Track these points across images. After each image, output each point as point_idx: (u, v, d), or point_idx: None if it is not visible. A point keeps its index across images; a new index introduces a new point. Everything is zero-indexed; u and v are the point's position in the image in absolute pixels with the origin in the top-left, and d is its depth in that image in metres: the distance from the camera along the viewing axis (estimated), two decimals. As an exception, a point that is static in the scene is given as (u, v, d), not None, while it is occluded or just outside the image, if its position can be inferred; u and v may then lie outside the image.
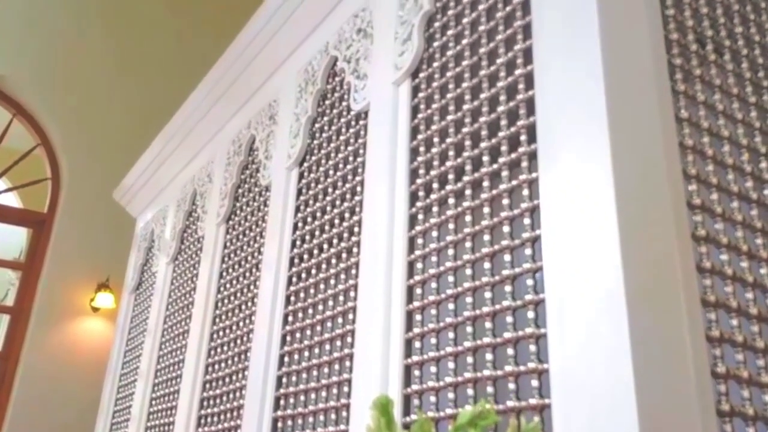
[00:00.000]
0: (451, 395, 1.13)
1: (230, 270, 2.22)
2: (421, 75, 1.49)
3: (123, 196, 3.64)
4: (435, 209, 1.32)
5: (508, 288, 1.07)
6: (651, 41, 1.09)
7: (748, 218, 1.06)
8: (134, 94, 5.31)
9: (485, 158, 1.22)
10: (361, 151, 1.65)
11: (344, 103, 1.80)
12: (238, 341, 2.01)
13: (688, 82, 1.12)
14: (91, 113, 5.19)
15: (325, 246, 1.67)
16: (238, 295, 2.10)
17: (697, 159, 1.05)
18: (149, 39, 5.53)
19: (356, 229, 1.56)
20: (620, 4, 1.08)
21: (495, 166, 1.19)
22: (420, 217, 1.35)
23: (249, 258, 2.10)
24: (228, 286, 2.20)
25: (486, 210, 1.18)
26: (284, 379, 1.69)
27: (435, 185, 1.34)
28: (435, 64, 1.46)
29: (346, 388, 1.43)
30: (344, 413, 1.42)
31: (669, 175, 0.99)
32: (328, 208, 1.72)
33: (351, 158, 1.69)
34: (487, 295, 1.11)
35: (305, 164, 1.92)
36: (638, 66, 1.05)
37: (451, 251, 1.23)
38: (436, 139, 1.38)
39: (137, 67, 5.42)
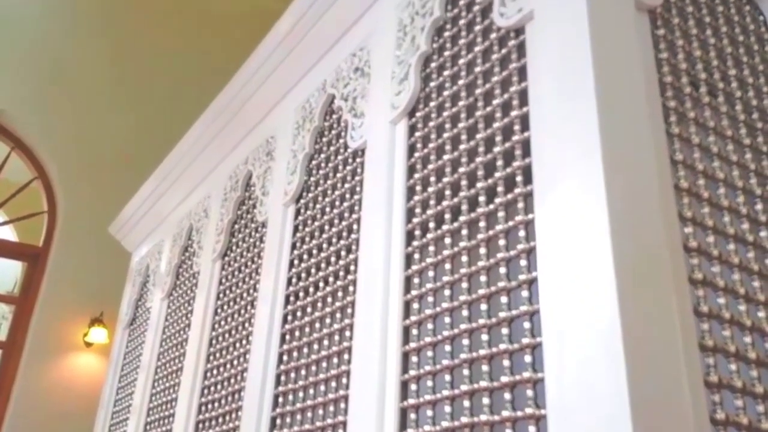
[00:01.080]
0: (447, 439, 1.11)
1: (225, 307, 2.21)
2: (418, 114, 1.50)
3: (119, 230, 3.63)
4: (431, 248, 1.31)
5: (505, 330, 1.06)
6: (645, 84, 1.10)
7: (744, 261, 1.06)
8: (132, 129, 5.34)
9: (481, 198, 1.23)
10: (357, 189, 1.65)
11: (341, 141, 1.81)
12: (233, 380, 1.98)
13: (683, 125, 1.13)
14: (89, 148, 5.21)
15: (321, 284, 1.66)
16: (233, 332, 2.08)
17: (693, 201, 1.05)
18: (148, 74, 5.58)
19: (352, 268, 1.55)
20: (614, 48, 1.09)
21: (491, 206, 1.19)
22: (416, 256, 1.35)
23: (244, 295, 2.09)
24: (223, 323, 2.18)
25: (482, 250, 1.17)
26: (278, 420, 1.67)
27: (431, 224, 1.34)
28: (431, 104, 1.47)
29: (340, 431, 1.40)
30: (339, 456, 1.39)
31: (665, 218, 0.99)
32: (325, 246, 1.72)
33: (348, 196, 1.69)
34: (484, 337, 1.10)
35: (302, 201, 1.92)
36: (633, 109, 1.06)
37: (447, 291, 1.22)
38: (432, 179, 1.39)
39: (135, 102, 5.46)
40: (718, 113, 1.21)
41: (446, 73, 1.45)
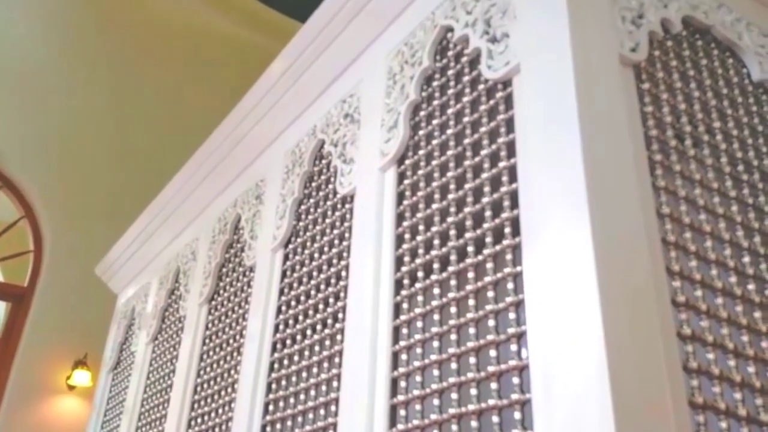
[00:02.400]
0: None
1: (211, 353, 2.17)
2: (407, 162, 1.51)
3: (105, 271, 3.59)
4: (420, 298, 1.30)
5: (494, 385, 1.05)
6: (631, 137, 1.11)
7: (733, 315, 1.06)
8: (121, 171, 5.35)
9: (470, 248, 1.22)
10: (346, 235, 1.65)
11: (330, 186, 1.81)
12: (217, 429, 1.94)
13: (669, 178, 1.14)
14: (77, 188, 5.19)
15: (309, 332, 1.64)
16: (218, 379, 2.05)
17: (680, 255, 1.05)
18: (137, 118, 5.61)
19: (340, 316, 1.53)
20: (599, 102, 1.11)
21: (480, 257, 1.18)
22: (405, 305, 1.34)
23: (230, 341, 2.06)
24: (208, 369, 2.15)
25: (471, 302, 1.16)
26: (263, 472, 1.63)
27: (420, 273, 1.33)
28: (420, 152, 1.47)
29: (327, 485, 1.37)
30: None
31: (652, 271, 0.99)
32: (313, 293, 1.70)
33: (336, 242, 1.69)
34: (473, 392, 1.08)
35: (290, 246, 1.91)
36: (619, 162, 1.06)
37: (436, 343, 1.21)
38: (421, 227, 1.38)
39: (124, 144, 5.48)
40: (703, 166, 1.22)
41: (435, 121, 1.46)
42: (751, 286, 1.12)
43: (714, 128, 1.30)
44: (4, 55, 5.26)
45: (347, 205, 1.69)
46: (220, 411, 1.96)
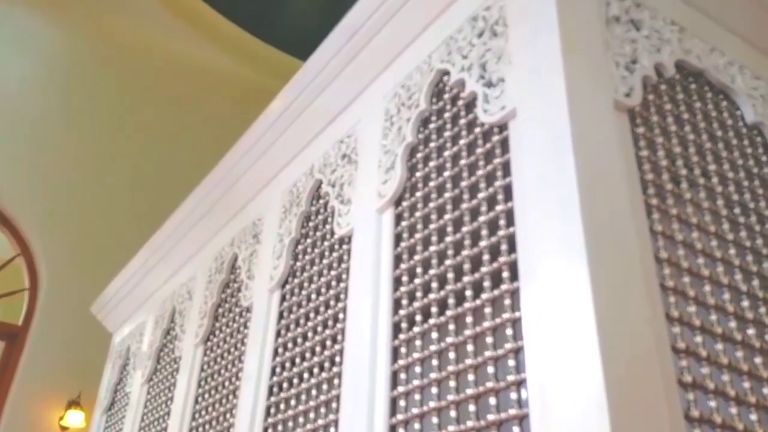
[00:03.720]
0: None
1: (207, 395, 2.14)
2: (404, 204, 1.51)
3: (101, 309, 3.57)
4: (418, 342, 1.29)
5: (493, 433, 1.03)
6: (627, 182, 1.12)
7: (733, 361, 1.05)
8: (117, 209, 5.36)
9: (468, 293, 1.22)
10: (344, 276, 1.64)
11: (328, 227, 1.81)
12: (212, 473, 1.91)
13: (666, 222, 1.14)
14: (74, 226, 5.19)
15: (306, 375, 1.62)
16: (213, 423, 2.02)
17: (679, 300, 1.05)
18: (134, 157, 5.64)
19: (338, 359, 1.52)
20: (595, 147, 1.11)
21: (478, 301, 1.18)
22: (403, 350, 1.32)
23: (226, 383, 2.03)
24: (204, 412, 2.12)
25: (470, 347, 1.15)
26: None
27: (418, 317, 1.32)
28: (418, 194, 1.48)
29: None
30: None
31: (652, 318, 0.98)
32: (310, 335, 1.69)
33: (334, 283, 1.68)
34: (472, 440, 1.06)
35: (287, 286, 1.90)
36: (615, 207, 1.07)
37: (434, 389, 1.19)
38: (419, 269, 1.38)
39: (121, 184, 5.50)
40: (700, 209, 1.22)
41: (432, 163, 1.47)
42: (751, 331, 1.11)
43: (710, 171, 1.31)
44: (2, 95, 5.29)
45: (344, 246, 1.69)
46: (216, 455, 1.92)
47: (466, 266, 1.25)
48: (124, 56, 5.92)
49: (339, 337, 1.55)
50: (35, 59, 5.55)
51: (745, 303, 1.14)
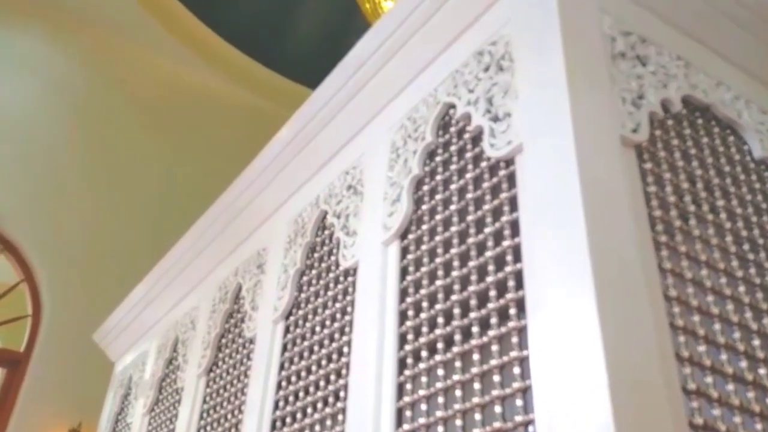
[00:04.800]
0: None
1: (209, 428, 2.12)
2: (410, 236, 1.50)
3: (103, 338, 3.55)
4: (424, 379, 1.27)
5: (501, 476, 1.01)
6: (634, 218, 1.11)
7: (745, 402, 1.03)
8: (122, 237, 5.36)
9: (475, 329, 1.20)
10: (348, 309, 1.62)
11: (333, 258, 1.80)
12: None
13: (674, 259, 1.13)
14: (78, 254, 5.18)
15: (309, 410, 1.60)
16: (216, 456, 1.99)
17: (689, 340, 1.04)
18: (138, 184, 5.66)
19: (342, 394, 1.50)
20: (602, 183, 1.11)
21: (485, 339, 1.16)
22: (408, 386, 1.30)
23: (228, 416, 2.01)
24: (206, 445, 2.09)
25: (477, 385, 1.14)
26: None
27: (424, 353, 1.31)
28: (424, 227, 1.47)
29: None
30: None
31: (662, 360, 0.96)
32: (314, 368, 1.67)
33: (338, 315, 1.66)
34: (479, 482, 1.04)
35: (291, 317, 1.89)
36: (623, 244, 1.06)
37: (441, 428, 1.17)
38: (425, 304, 1.37)
39: (126, 211, 5.51)
40: (709, 245, 1.21)
41: (438, 197, 1.46)
42: (762, 371, 1.09)
43: (718, 207, 1.30)
44: (4, 119, 5.34)
45: (350, 278, 1.67)
46: (217, 490, 1.89)
47: (473, 302, 1.24)
48: (129, 83, 5.98)
49: (343, 372, 1.53)
50: (40, 84, 5.60)
51: (756, 342, 1.13)
